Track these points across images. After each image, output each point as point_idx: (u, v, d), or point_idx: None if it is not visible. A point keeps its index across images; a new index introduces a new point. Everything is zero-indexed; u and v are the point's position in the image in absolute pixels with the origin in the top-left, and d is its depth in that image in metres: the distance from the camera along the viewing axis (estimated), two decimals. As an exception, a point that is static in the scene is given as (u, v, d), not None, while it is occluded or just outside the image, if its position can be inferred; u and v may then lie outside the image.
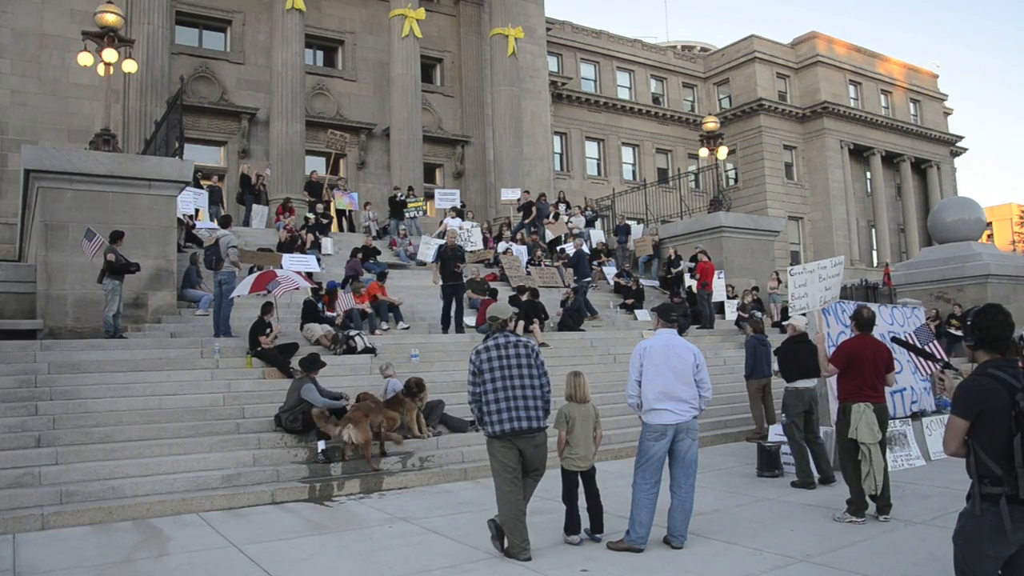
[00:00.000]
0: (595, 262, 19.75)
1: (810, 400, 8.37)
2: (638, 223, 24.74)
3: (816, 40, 40.28)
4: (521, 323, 13.27)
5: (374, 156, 25.09)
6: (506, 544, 5.57)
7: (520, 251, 18.76)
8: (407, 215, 19.57)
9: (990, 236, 53.28)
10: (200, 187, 17.44)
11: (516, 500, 5.51)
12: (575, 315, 14.97)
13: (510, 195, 22.22)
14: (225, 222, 12.72)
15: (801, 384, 8.13)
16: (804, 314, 8.84)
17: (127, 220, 11.46)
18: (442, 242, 17.68)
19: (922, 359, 9.93)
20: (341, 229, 20.44)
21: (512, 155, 24.58)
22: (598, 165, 36.34)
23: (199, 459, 8.21)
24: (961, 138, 45.97)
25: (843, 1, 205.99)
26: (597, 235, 22.63)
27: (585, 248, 19.16)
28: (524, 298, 13.94)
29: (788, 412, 8.35)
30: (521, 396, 5.48)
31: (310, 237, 16.43)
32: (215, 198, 17.99)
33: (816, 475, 8.25)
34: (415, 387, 9.35)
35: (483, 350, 5.63)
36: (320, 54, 25.35)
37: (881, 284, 26.50)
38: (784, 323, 11.49)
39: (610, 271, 19.60)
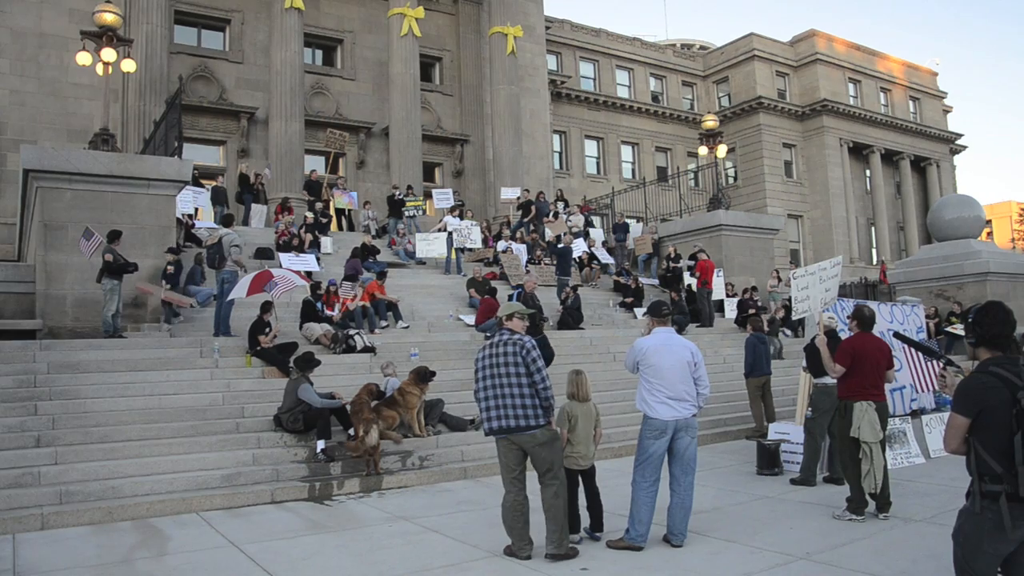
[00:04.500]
0: (594, 262, 19.74)
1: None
2: (637, 221, 24.77)
3: (815, 38, 40.25)
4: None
5: (373, 155, 25.07)
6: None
7: (520, 250, 18.76)
8: (406, 214, 19.57)
9: (989, 234, 53.27)
10: (200, 186, 17.42)
11: (514, 501, 5.44)
12: (575, 314, 14.96)
13: (509, 194, 22.22)
14: (227, 221, 12.72)
15: (830, 380, 8.07)
16: (803, 318, 8.79)
17: (126, 220, 11.45)
18: (443, 235, 17.67)
19: (923, 358, 9.93)
20: (340, 228, 20.43)
21: (511, 154, 24.57)
22: (597, 163, 36.32)
23: (199, 459, 8.21)
24: (960, 136, 45.95)
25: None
26: (597, 234, 22.66)
27: (575, 245, 19.13)
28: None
29: (816, 408, 8.28)
30: (508, 395, 5.37)
31: (308, 236, 16.40)
32: (220, 198, 17.97)
33: (821, 475, 8.23)
34: (429, 374, 9.39)
35: (480, 349, 5.65)
36: (319, 53, 25.32)
37: (878, 282, 26.53)
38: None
39: (606, 256, 19.70)
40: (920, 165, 43.95)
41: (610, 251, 21.06)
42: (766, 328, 15.68)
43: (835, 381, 7.13)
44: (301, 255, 15.36)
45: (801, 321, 14.03)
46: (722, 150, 20.90)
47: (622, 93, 37.58)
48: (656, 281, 19.54)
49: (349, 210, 20.90)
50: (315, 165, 22.44)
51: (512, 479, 5.47)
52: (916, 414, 10.16)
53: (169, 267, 11.66)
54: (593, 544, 5.89)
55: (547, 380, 5.48)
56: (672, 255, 18.83)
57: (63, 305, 11.05)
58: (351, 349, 11.56)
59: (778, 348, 15.57)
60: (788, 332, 16.87)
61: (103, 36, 12.68)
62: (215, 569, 5.52)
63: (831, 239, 38.17)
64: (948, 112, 47.17)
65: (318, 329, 11.72)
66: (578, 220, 21.65)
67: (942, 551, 4.89)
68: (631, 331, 15.26)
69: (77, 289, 11.10)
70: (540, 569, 5.28)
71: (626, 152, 37.43)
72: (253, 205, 19.19)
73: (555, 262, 17.63)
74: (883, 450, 6.63)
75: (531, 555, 5.46)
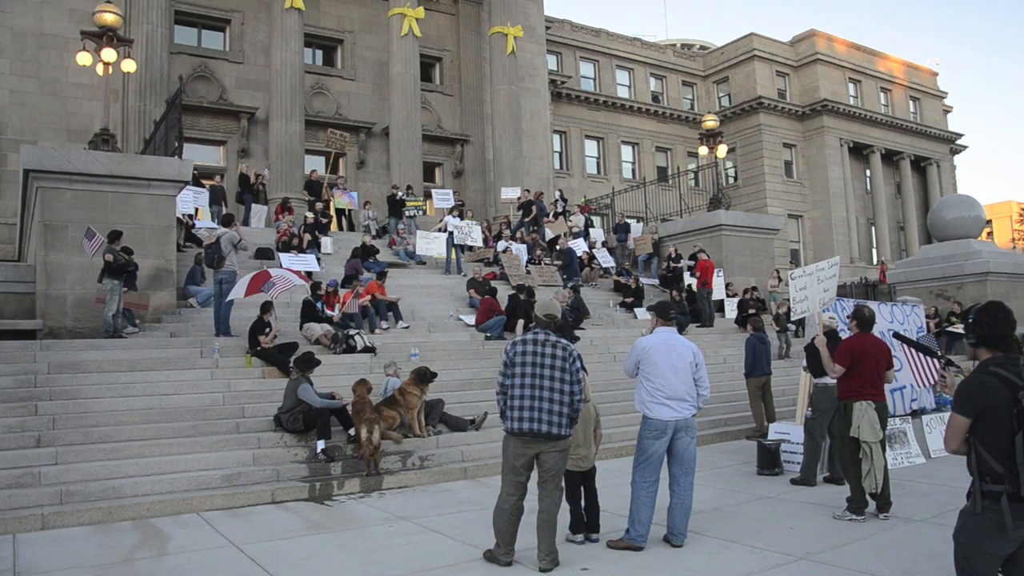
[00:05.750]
0: (594, 262, 19.76)
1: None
2: (638, 221, 24.77)
3: (815, 38, 40.25)
4: (521, 322, 13.28)
5: (373, 155, 25.07)
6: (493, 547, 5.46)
7: (520, 250, 18.76)
8: (406, 214, 19.57)
9: (990, 234, 53.21)
10: (201, 186, 17.41)
11: (514, 505, 5.30)
12: (575, 314, 14.96)
13: (510, 194, 22.24)
14: (227, 220, 12.70)
15: (830, 380, 8.08)
16: (803, 319, 8.78)
17: (126, 220, 11.45)
18: (443, 235, 17.66)
19: (923, 357, 9.93)
20: (340, 228, 20.43)
21: (511, 154, 24.57)
22: (598, 163, 36.33)
23: (199, 459, 8.21)
24: (960, 136, 45.94)
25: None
26: (597, 234, 22.66)
27: (574, 246, 19.14)
28: (522, 297, 13.94)
29: (816, 408, 8.29)
30: (547, 399, 5.13)
31: (307, 236, 16.36)
32: (217, 198, 17.97)
33: (821, 475, 8.24)
34: (429, 375, 9.38)
35: (519, 342, 5.33)
36: (319, 53, 25.32)
37: (878, 282, 26.54)
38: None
39: (605, 257, 19.67)
40: (920, 165, 43.95)
41: (611, 251, 21.06)
42: (776, 327, 15.59)
43: (835, 381, 7.15)
44: (301, 255, 15.35)
45: (801, 321, 14.04)
46: (722, 150, 20.90)
47: (622, 93, 37.59)
48: (656, 281, 19.54)
49: (349, 210, 20.90)
50: (315, 165, 22.43)
51: (519, 483, 5.28)
52: (916, 414, 10.15)
53: None
54: (593, 545, 5.88)
55: (581, 393, 5.35)
56: (672, 255, 18.83)
57: (63, 305, 11.04)
58: (351, 349, 11.56)
59: (786, 347, 15.43)
60: (792, 326, 16.81)
61: (103, 36, 12.67)
62: (215, 569, 5.51)
63: (831, 239, 38.17)
64: (948, 112, 47.16)
65: (318, 329, 11.71)
66: (578, 220, 21.67)
67: (943, 551, 4.90)
68: (631, 331, 15.26)
69: (77, 289, 11.09)
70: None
71: (626, 152, 37.44)
72: (253, 205, 19.19)
73: (560, 263, 17.69)
74: (883, 450, 6.64)
75: (512, 562, 5.36)
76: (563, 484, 5.48)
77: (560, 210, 22.46)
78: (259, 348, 10.59)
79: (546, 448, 5.22)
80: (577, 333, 14.49)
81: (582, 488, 6.05)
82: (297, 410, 8.80)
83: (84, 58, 13.29)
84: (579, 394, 5.28)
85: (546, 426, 5.14)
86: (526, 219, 20.71)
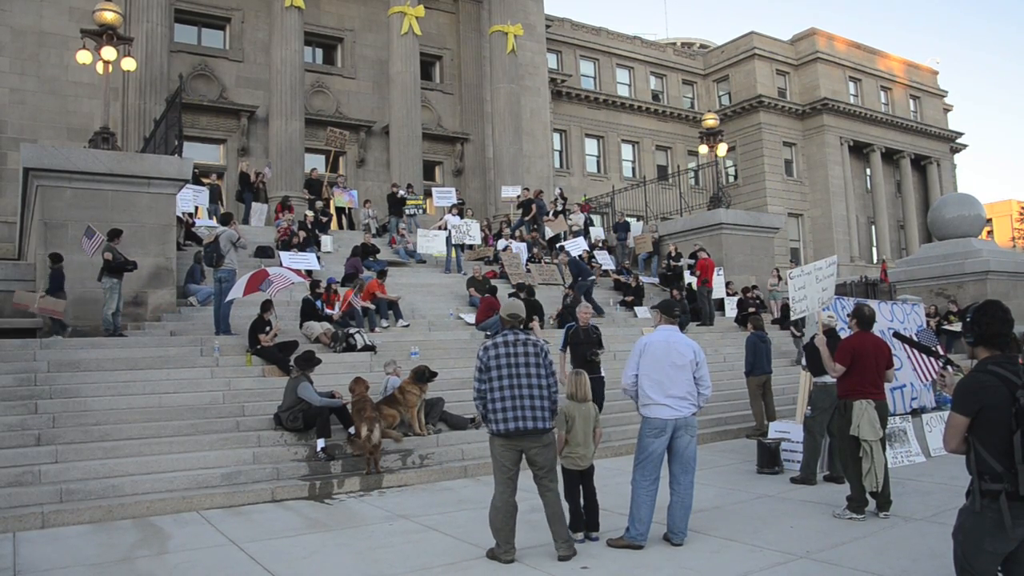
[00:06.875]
0: (593, 260, 19.75)
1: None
2: (638, 220, 24.77)
3: (816, 37, 40.22)
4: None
5: (373, 154, 25.07)
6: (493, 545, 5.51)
7: (520, 248, 18.75)
8: (406, 212, 19.57)
9: (990, 232, 53.28)
10: (200, 185, 17.42)
11: (507, 502, 5.39)
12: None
13: (510, 192, 22.24)
14: (226, 219, 12.70)
15: (829, 379, 8.08)
16: (804, 317, 8.80)
17: (126, 218, 11.45)
18: (443, 234, 17.65)
19: (923, 356, 9.94)
20: (340, 227, 20.42)
21: (511, 152, 24.56)
22: (598, 162, 36.32)
23: (199, 457, 8.21)
24: (961, 134, 45.91)
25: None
26: (597, 233, 22.66)
27: (576, 244, 19.12)
28: (523, 296, 13.93)
29: (815, 407, 8.29)
30: (528, 396, 5.30)
31: (302, 234, 16.32)
32: (213, 197, 17.97)
33: (821, 473, 8.25)
34: (429, 374, 9.39)
35: (491, 346, 5.46)
36: (319, 52, 25.32)
37: (879, 280, 26.55)
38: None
39: (604, 258, 19.64)
40: (920, 164, 43.94)
41: (611, 250, 21.07)
42: (795, 332, 15.39)
43: (835, 380, 7.15)
44: (301, 253, 15.35)
45: (801, 320, 14.02)
46: (722, 149, 20.90)
47: (622, 92, 37.57)
48: (656, 279, 19.55)
49: (349, 209, 20.89)
50: (315, 163, 22.44)
51: (509, 479, 5.40)
52: (916, 413, 10.16)
53: None
54: (593, 543, 5.89)
55: (556, 385, 5.54)
56: (673, 254, 18.83)
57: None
58: (351, 348, 11.56)
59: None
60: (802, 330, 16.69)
61: (103, 34, 12.68)
62: (215, 567, 5.52)
63: (831, 238, 38.16)
64: (948, 111, 47.12)
65: (318, 328, 11.72)
66: (578, 219, 21.68)
67: (943, 550, 4.90)
68: (631, 329, 15.26)
69: (77, 288, 11.09)
70: (541, 567, 5.28)
71: (626, 151, 37.43)
72: (253, 204, 19.19)
73: (561, 263, 17.67)
74: (883, 448, 6.64)
75: (515, 559, 5.40)
76: (558, 476, 5.56)
77: (560, 208, 22.47)
78: (259, 347, 10.60)
79: (533, 445, 5.36)
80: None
81: (581, 487, 6.06)
82: (297, 409, 8.80)
83: (84, 56, 13.29)
84: (555, 386, 5.47)
85: (531, 422, 5.31)
86: (526, 218, 20.71)
